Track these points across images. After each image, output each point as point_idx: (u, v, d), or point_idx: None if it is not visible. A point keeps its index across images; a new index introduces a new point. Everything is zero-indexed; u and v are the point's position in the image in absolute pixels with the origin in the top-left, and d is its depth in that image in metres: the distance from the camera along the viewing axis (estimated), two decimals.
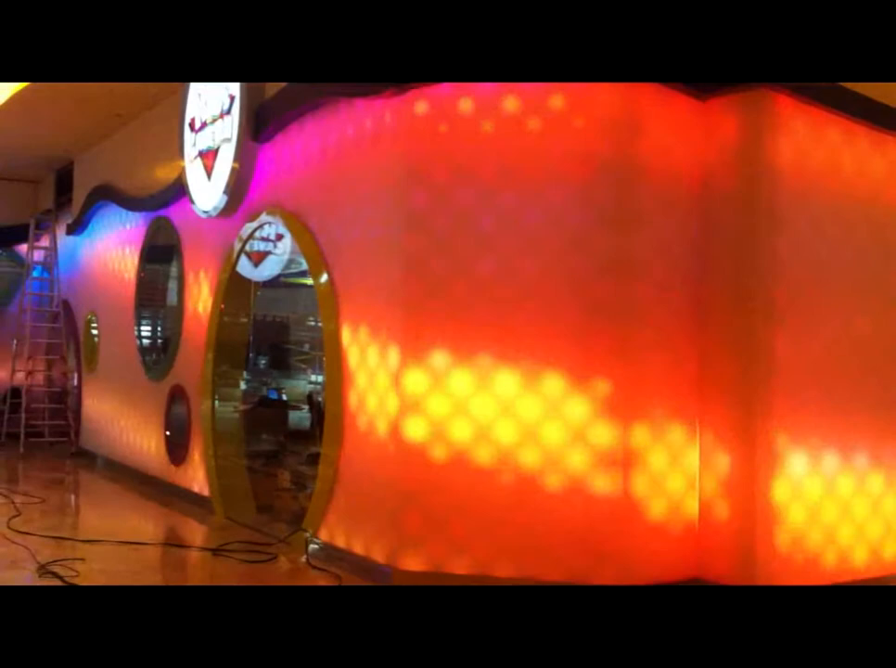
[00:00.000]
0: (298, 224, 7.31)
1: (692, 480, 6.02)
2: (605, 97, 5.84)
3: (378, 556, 6.15)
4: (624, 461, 5.72)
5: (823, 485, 6.09)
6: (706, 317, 6.06)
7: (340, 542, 6.61)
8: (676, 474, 5.95)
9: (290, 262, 8.33)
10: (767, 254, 5.88)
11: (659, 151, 5.95)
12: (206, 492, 8.60)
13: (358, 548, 6.39)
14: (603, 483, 5.72)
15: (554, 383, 5.79)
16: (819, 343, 6.10)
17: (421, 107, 6.05)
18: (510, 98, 5.93)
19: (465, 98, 5.98)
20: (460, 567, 5.86)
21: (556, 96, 5.89)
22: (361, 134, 6.60)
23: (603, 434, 5.74)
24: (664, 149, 5.98)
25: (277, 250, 8.32)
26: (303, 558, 6.78)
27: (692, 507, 6.02)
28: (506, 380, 5.86)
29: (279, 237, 8.12)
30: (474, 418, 5.89)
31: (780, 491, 5.83)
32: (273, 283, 8.81)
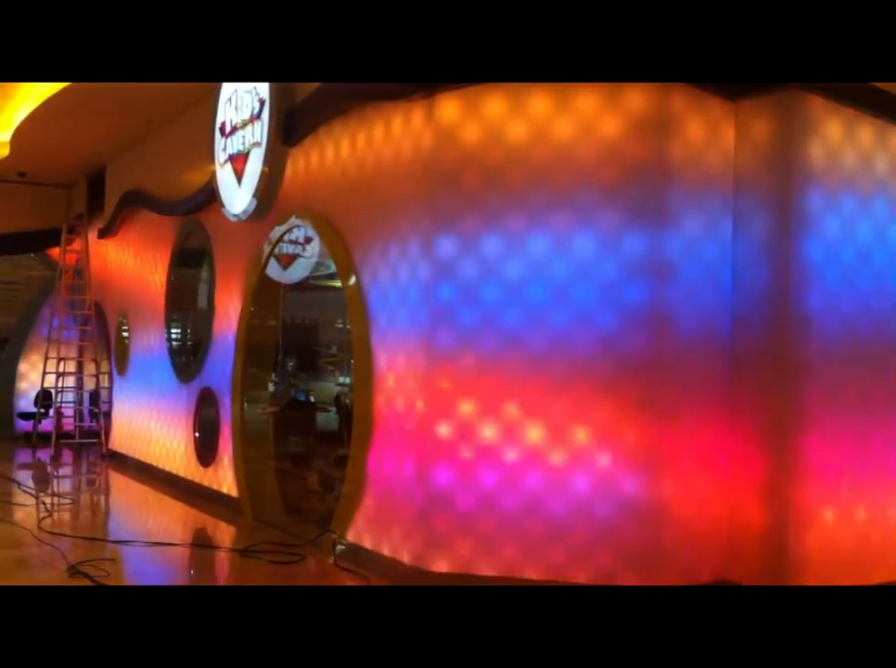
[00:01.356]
0: (327, 227, 7.34)
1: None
2: (636, 99, 5.82)
3: (406, 557, 6.15)
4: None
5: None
6: (738, 327, 6.01)
7: (368, 543, 6.62)
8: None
9: (319, 264, 8.35)
10: (799, 257, 5.82)
11: (692, 153, 5.92)
12: (235, 493, 8.64)
13: (386, 550, 6.40)
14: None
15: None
16: (850, 345, 6.04)
17: (450, 110, 6.05)
18: (539, 100, 5.92)
19: (494, 100, 5.99)
20: (488, 568, 5.85)
21: (587, 98, 5.87)
22: (390, 137, 6.61)
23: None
24: (697, 151, 5.95)
25: (306, 254, 8.35)
26: (331, 560, 6.79)
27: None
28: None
29: (308, 240, 8.14)
30: (502, 417, 5.89)
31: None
32: (301, 286, 8.83)
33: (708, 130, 6.01)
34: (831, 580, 5.82)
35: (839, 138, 6.02)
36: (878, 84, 5.99)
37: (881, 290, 6.22)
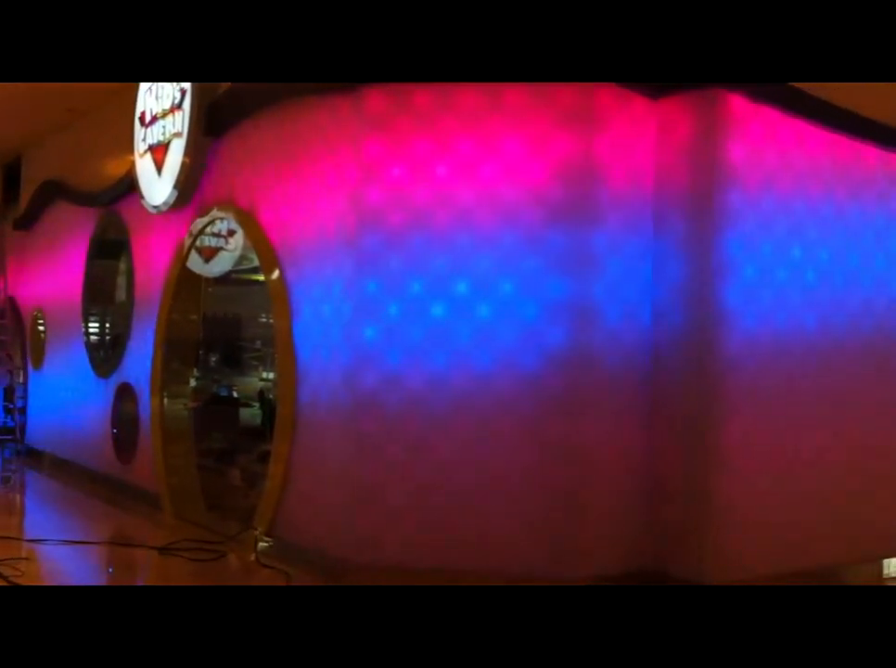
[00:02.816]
0: (250, 220, 7.24)
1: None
2: (562, 95, 5.84)
3: (332, 553, 6.10)
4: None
5: None
6: (657, 318, 6.09)
7: (292, 539, 6.55)
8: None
9: (242, 258, 8.23)
10: (717, 254, 5.91)
11: (616, 150, 5.97)
12: (154, 490, 8.48)
13: (310, 545, 6.34)
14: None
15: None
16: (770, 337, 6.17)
17: (376, 103, 6.01)
18: (467, 94, 5.91)
19: (421, 95, 5.96)
20: (417, 562, 5.84)
21: (514, 93, 5.88)
22: (315, 130, 6.54)
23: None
24: (620, 148, 6.00)
25: (229, 247, 8.21)
26: (253, 557, 6.71)
27: None
28: (459, 377, 5.87)
29: (231, 232, 8.02)
30: (430, 410, 5.88)
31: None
32: (225, 279, 8.70)
33: (632, 128, 6.06)
34: (750, 572, 5.95)
35: (760, 138, 6.12)
36: (798, 86, 6.11)
37: (798, 288, 6.34)
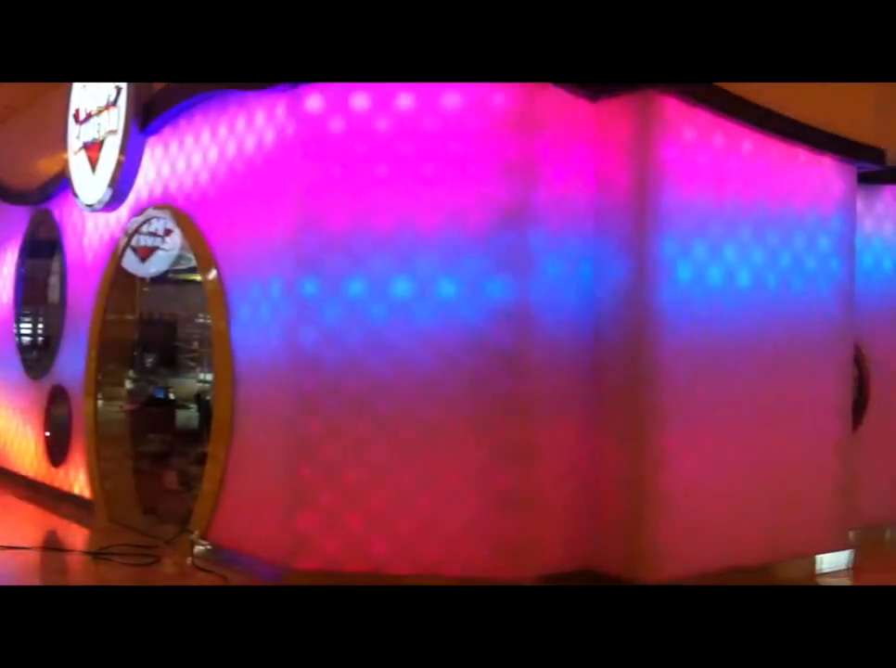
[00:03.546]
0: (186, 220, 7.14)
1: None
2: (502, 98, 5.86)
3: (270, 556, 6.04)
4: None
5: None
6: (598, 318, 6.15)
7: (228, 543, 6.47)
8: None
9: (180, 258, 8.12)
10: (654, 253, 5.98)
11: (556, 151, 6.01)
12: (88, 494, 8.32)
13: (247, 549, 6.27)
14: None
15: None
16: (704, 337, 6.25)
17: (315, 102, 5.97)
18: (406, 96, 5.90)
19: (360, 95, 5.93)
20: (356, 565, 5.80)
21: (453, 95, 5.88)
22: (253, 129, 6.48)
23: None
24: (560, 150, 6.04)
25: (166, 246, 8.09)
26: (189, 560, 6.61)
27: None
28: (401, 382, 5.85)
29: (168, 232, 7.91)
30: (371, 413, 5.85)
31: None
32: (161, 279, 8.58)
33: (573, 130, 6.11)
34: (689, 569, 6.02)
35: (694, 140, 6.21)
36: (730, 89, 6.20)
37: (732, 288, 6.43)
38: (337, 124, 5.95)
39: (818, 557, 7.00)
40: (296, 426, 5.92)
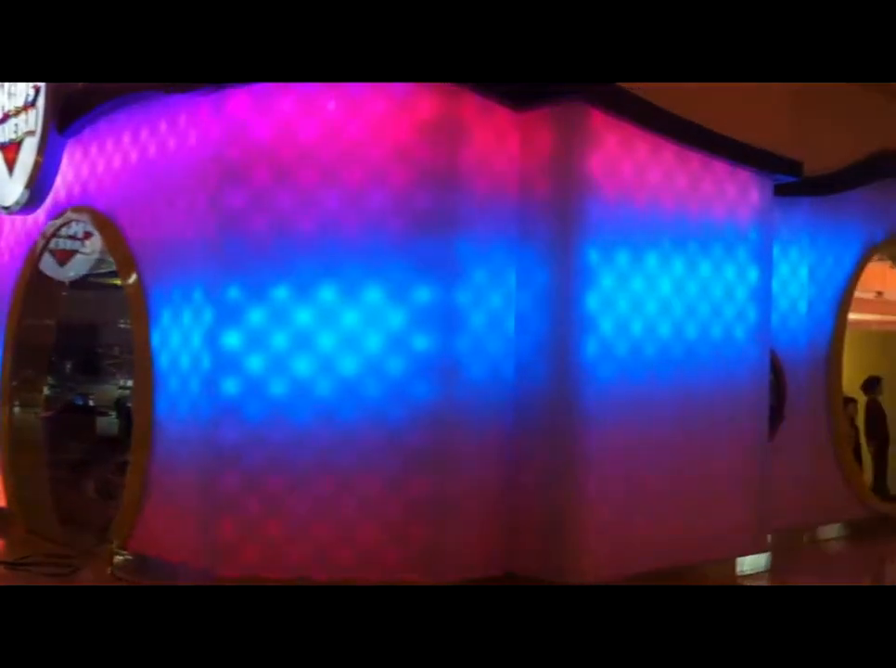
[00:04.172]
0: (106, 222, 7.00)
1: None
2: (427, 104, 5.87)
3: (191, 565, 5.94)
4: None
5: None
6: (522, 325, 6.19)
7: (149, 552, 6.36)
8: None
9: (100, 261, 7.97)
10: (578, 261, 6.04)
11: (480, 160, 6.04)
12: (3, 503, 8.10)
13: (168, 558, 6.16)
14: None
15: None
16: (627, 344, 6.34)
17: (238, 105, 5.91)
18: (330, 99, 5.87)
19: (284, 98, 5.89)
20: (278, 572, 5.75)
21: (376, 100, 5.87)
22: (175, 131, 6.39)
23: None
24: (484, 158, 6.07)
25: (85, 249, 7.94)
26: (109, 571, 6.49)
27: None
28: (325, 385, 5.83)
29: (87, 235, 7.75)
30: (291, 423, 5.80)
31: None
32: (81, 283, 8.40)
33: (496, 138, 6.15)
34: (611, 572, 6.10)
35: (617, 151, 6.29)
36: (652, 101, 6.30)
37: (653, 296, 6.53)
38: (259, 127, 5.90)
39: (738, 559, 7.13)
40: (218, 433, 5.84)
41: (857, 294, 9.35)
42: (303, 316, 5.85)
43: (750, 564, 7.21)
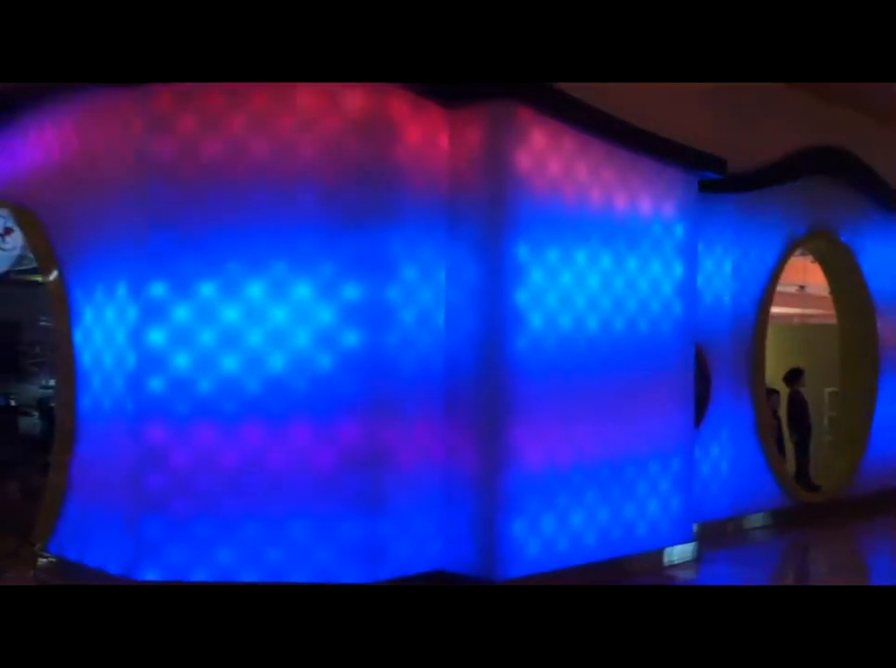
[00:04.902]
0: (28, 217, 6.83)
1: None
2: (357, 100, 5.84)
3: (113, 567, 5.85)
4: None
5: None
6: (452, 320, 6.21)
7: (73, 554, 6.24)
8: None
9: (22, 258, 7.79)
10: (508, 258, 6.08)
11: (410, 156, 6.03)
12: None
13: (91, 561, 6.05)
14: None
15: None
16: (555, 338, 6.40)
17: (163, 99, 5.81)
18: (257, 96, 5.80)
19: (211, 93, 5.80)
20: (203, 574, 5.69)
21: (305, 96, 5.82)
22: (101, 126, 6.26)
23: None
24: (415, 155, 6.06)
25: (6, 246, 7.76)
26: (31, 573, 6.34)
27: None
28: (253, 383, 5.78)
29: (8, 230, 7.57)
30: (219, 421, 5.74)
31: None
32: (2, 280, 8.20)
33: (427, 135, 6.14)
34: (541, 566, 6.16)
35: (546, 148, 6.33)
36: (580, 99, 6.35)
37: (582, 291, 6.59)
38: (185, 124, 5.82)
39: (666, 550, 7.25)
40: (142, 431, 5.75)
41: (780, 288, 9.59)
42: (230, 313, 5.78)
43: (678, 554, 7.34)
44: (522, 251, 6.15)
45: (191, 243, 5.79)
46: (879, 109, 9.82)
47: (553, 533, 6.34)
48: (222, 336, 5.77)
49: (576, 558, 6.48)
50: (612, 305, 6.80)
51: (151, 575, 5.67)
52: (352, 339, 5.81)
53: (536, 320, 6.23)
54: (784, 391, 10.58)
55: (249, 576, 5.69)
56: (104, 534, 5.98)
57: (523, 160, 6.16)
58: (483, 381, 6.09)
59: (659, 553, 7.21)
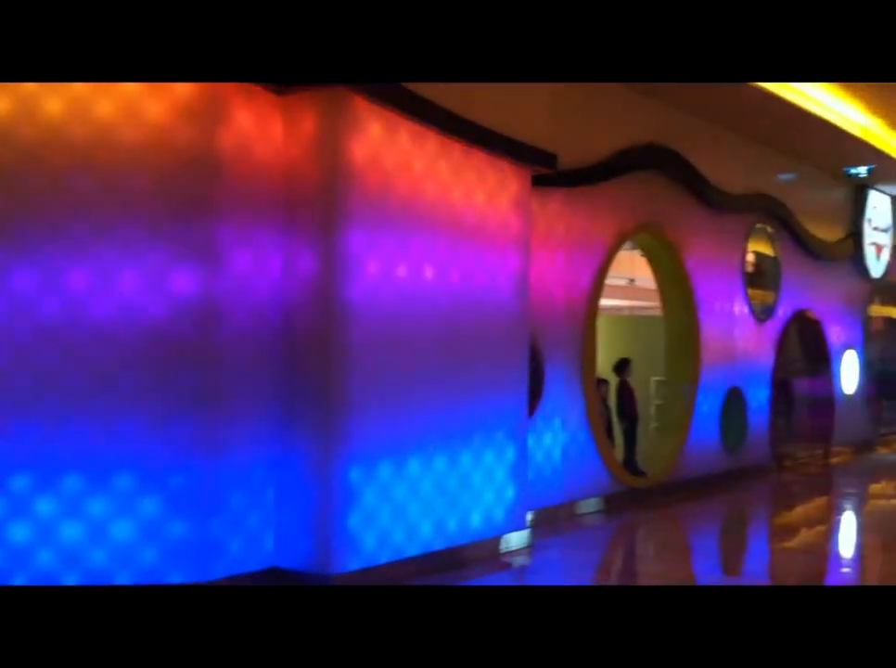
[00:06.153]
0: None
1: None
2: (182, 87, 5.65)
3: None
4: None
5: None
6: (287, 314, 6.13)
7: None
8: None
9: None
10: (343, 249, 6.03)
11: (241, 144, 5.89)
12: None
13: None
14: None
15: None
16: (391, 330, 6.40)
17: None
18: (77, 84, 5.54)
19: (29, 81, 5.51)
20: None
21: (128, 83, 5.57)
22: None
23: None
24: (246, 142, 5.93)
25: None
26: None
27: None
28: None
29: None
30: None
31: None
32: None
33: (257, 122, 6.01)
34: (375, 559, 6.16)
35: (381, 139, 6.30)
36: (416, 91, 6.36)
37: (417, 283, 6.62)
38: (3, 109, 5.53)
39: (503, 537, 7.38)
40: None
41: (610, 281, 9.92)
42: (51, 305, 5.52)
43: (514, 541, 7.49)
44: (357, 242, 6.09)
45: (7, 232, 5.52)
46: (703, 108, 10.29)
47: (390, 523, 6.35)
48: (39, 330, 5.50)
49: (414, 548, 6.52)
50: (449, 295, 6.84)
51: None
52: (183, 330, 5.63)
53: (371, 313, 6.20)
54: (613, 380, 10.96)
55: (69, 580, 5.45)
56: None
57: (357, 149, 6.09)
58: (319, 375, 6.02)
59: (495, 540, 7.34)
